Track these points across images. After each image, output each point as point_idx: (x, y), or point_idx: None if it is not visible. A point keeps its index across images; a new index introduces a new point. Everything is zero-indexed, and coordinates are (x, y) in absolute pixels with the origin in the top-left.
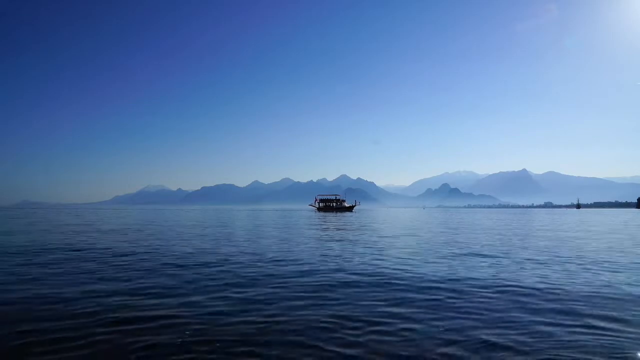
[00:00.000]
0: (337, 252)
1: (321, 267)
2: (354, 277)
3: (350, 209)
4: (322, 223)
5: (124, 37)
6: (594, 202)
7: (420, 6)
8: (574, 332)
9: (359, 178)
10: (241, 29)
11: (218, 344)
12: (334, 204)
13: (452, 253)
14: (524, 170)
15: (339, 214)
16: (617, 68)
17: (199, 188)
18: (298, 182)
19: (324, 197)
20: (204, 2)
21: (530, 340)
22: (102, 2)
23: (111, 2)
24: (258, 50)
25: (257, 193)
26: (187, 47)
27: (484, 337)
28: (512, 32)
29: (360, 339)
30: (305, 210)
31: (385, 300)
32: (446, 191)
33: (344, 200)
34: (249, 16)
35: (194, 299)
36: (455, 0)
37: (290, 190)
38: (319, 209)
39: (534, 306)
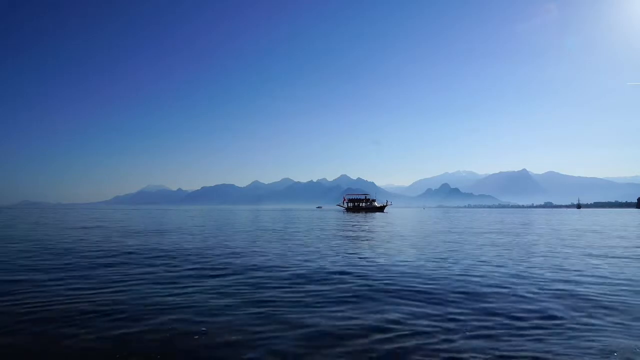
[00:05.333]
0: None
1: None
2: None
3: (381, 209)
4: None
5: (124, 37)
6: (594, 202)
7: (420, 6)
8: None
9: (359, 178)
10: (241, 29)
11: None
12: (364, 204)
13: None
14: (524, 170)
15: (369, 214)
16: (617, 68)
17: (199, 188)
18: (298, 182)
19: (353, 197)
20: (204, 2)
21: None
22: (102, 2)
23: (111, 2)
24: (258, 50)
25: (257, 193)
26: (187, 47)
27: None
28: (512, 32)
29: None
30: (308, 210)
31: None
32: (446, 191)
33: (374, 200)
34: (249, 16)
35: None
36: (455, 0)
37: (291, 190)
38: (348, 209)
39: None
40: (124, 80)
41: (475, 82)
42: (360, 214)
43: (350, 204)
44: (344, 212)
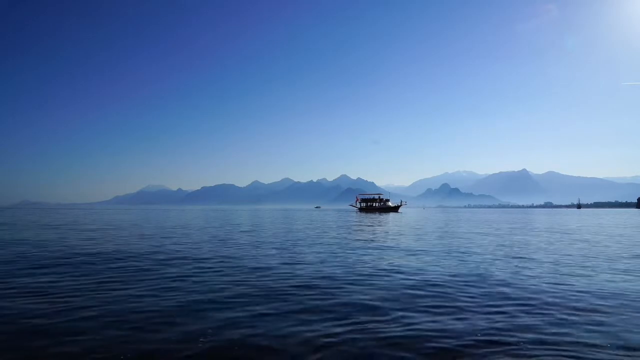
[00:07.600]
0: None
1: None
2: None
3: (395, 209)
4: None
5: (124, 37)
6: (594, 202)
7: (420, 6)
8: None
9: (359, 178)
10: (241, 29)
11: None
12: (377, 204)
13: None
14: (524, 170)
15: (384, 214)
16: (617, 68)
17: (199, 188)
18: (298, 182)
19: (366, 197)
20: (204, 2)
21: None
22: (102, 2)
23: (111, 2)
24: (258, 50)
25: (257, 193)
26: (187, 47)
27: None
28: (512, 32)
29: None
30: (308, 210)
31: None
32: (446, 191)
33: (387, 200)
34: (248, 16)
35: None
36: (455, 0)
37: (290, 190)
38: (361, 209)
39: None
40: (124, 80)
41: (475, 82)
42: (375, 214)
43: (363, 204)
44: (356, 212)
